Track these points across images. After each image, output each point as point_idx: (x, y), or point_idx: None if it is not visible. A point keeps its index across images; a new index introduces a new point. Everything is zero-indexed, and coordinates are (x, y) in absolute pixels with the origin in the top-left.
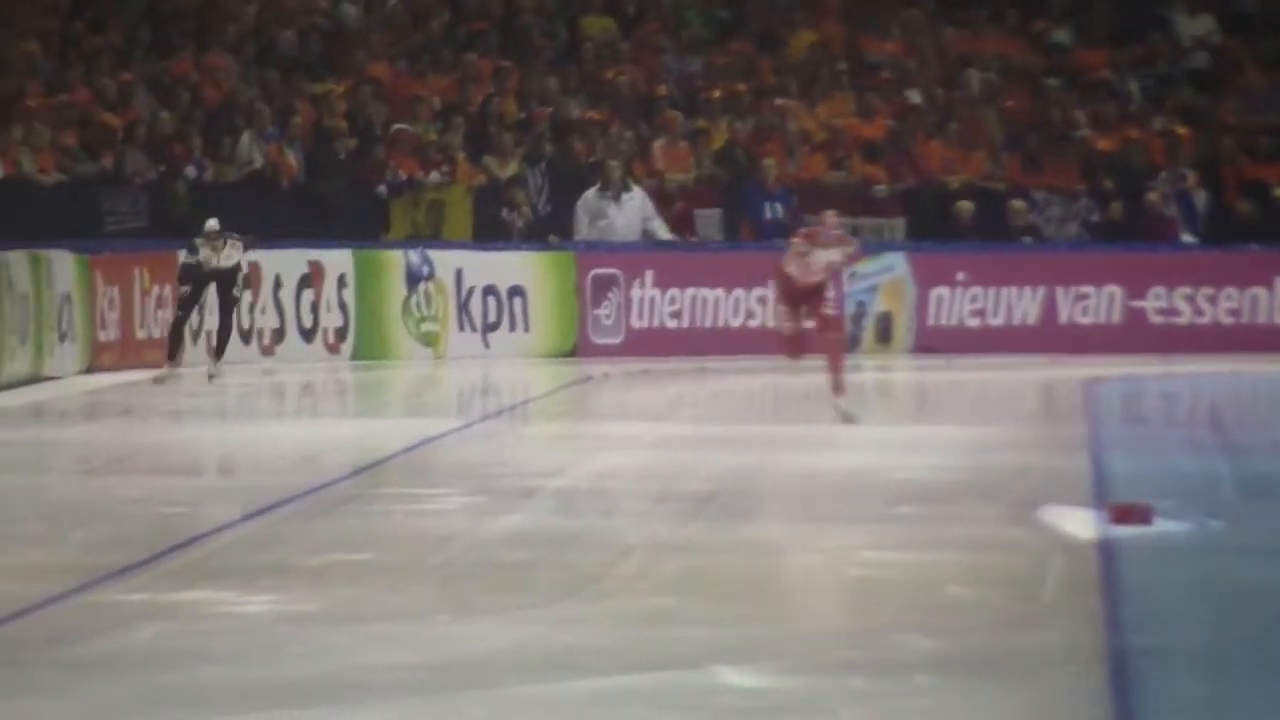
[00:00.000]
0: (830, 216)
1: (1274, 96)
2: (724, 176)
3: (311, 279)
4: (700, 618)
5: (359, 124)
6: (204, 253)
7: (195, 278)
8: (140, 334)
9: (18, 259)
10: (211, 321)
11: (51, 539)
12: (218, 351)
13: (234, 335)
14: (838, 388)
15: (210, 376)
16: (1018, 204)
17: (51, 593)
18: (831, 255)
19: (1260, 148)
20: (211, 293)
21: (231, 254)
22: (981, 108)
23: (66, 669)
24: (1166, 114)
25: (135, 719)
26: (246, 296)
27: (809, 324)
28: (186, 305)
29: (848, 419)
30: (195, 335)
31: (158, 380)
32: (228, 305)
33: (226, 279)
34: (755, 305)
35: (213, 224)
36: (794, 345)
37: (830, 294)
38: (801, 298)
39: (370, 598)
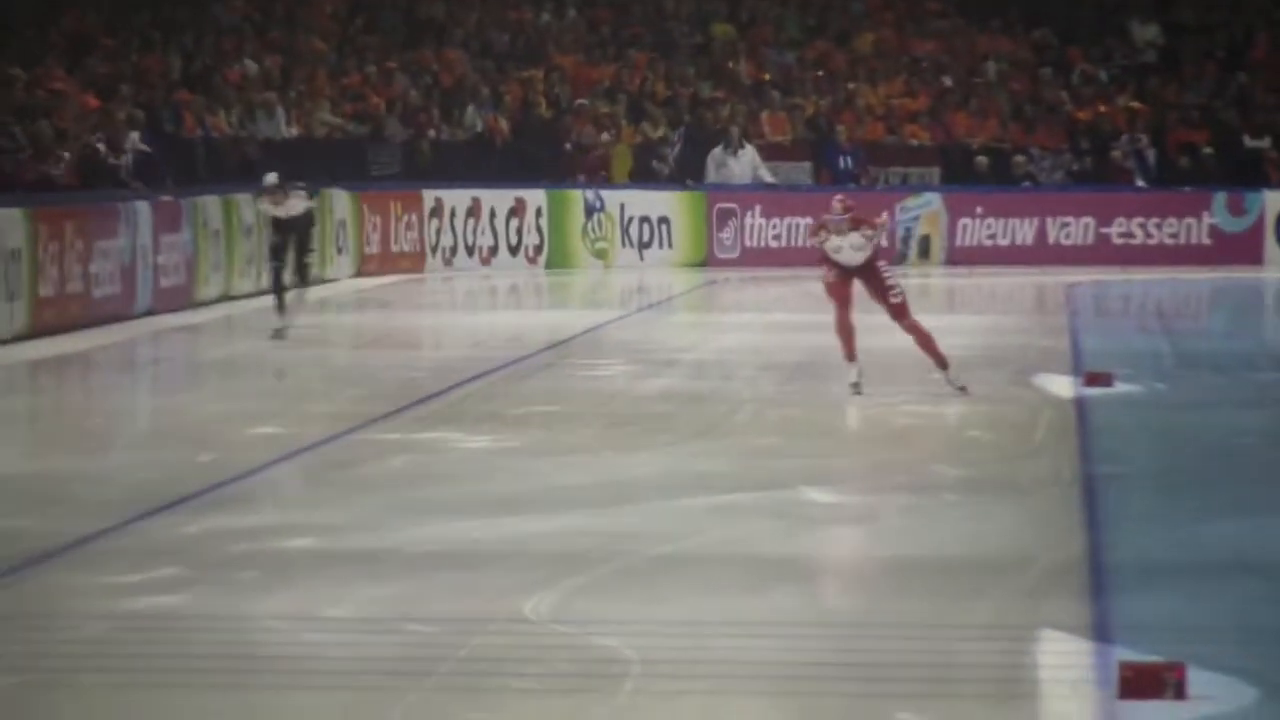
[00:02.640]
0: (836, 203)
1: (1202, 83)
2: (810, 138)
3: (516, 210)
4: (793, 452)
5: (551, 99)
6: (264, 205)
7: (276, 227)
8: (394, 249)
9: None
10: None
11: (331, 394)
12: (288, 299)
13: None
14: (941, 363)
15: (282, 329)
16: (1019, 158)
17: (332, 432)
18: (852, 239)
19: (1192, 119)
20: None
21: (295, 204)
22: (995, 89)
23: (343, 487)
24: (1126, 95)
25: (393, 522)
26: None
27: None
28: (278, 253)
29: (961, 389)
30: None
31: (276, 335)
32: (301, 251)
33: (298, 226)
34: None
35: (271, 178)
36: (850, 340)
37: (889, 278)
38: (864, 282)
39: (558, 437)
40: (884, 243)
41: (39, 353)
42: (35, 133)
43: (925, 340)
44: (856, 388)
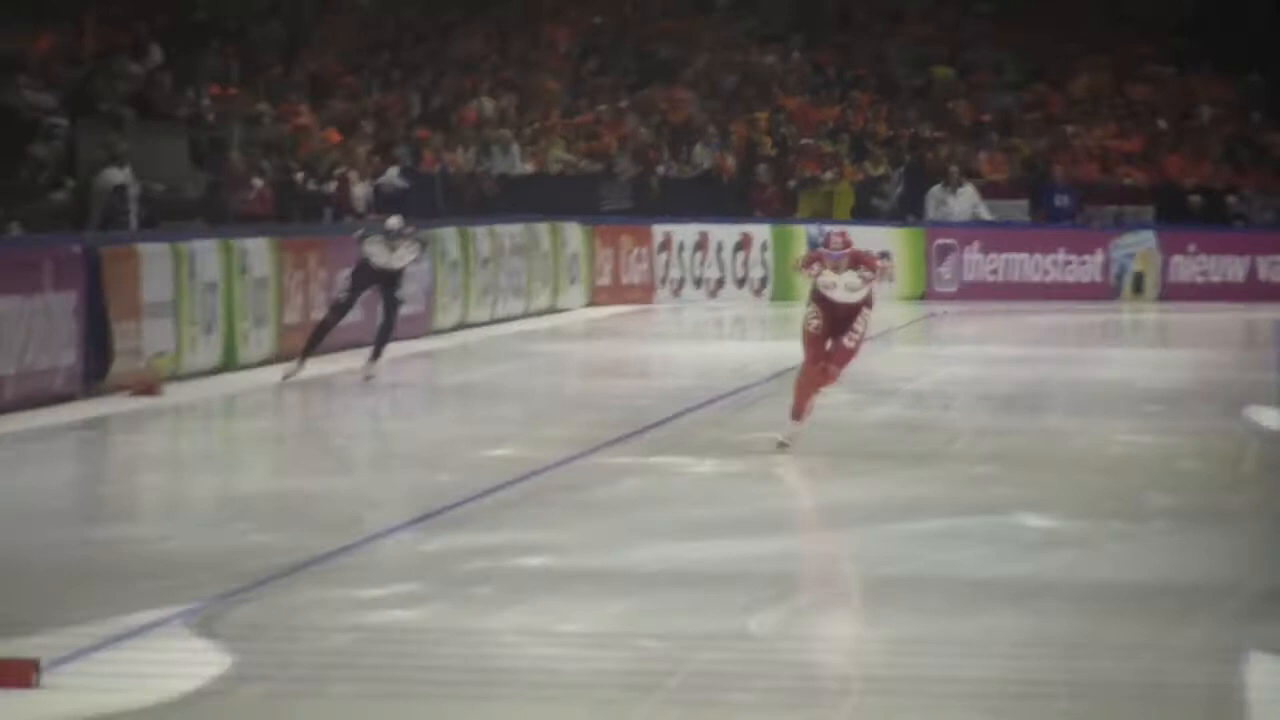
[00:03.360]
0: (835, 237)
1: None
2: (1027, 177)
3: (743, 245)
4: (1008, 480)
5: (776, 139)
6: (377, 249)
7: (362, 277)
8: (625, 280)
9: (543, 228)
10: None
11: (564, 419)
12: (376, 352)
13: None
14: (798, 412)
15: (367, 378)
16: (1231, 198)
17: (565, 456)
18: (848, 278)
19: None
20: (374, 292)
21: (405, 255)
22: (1207, 132)
23: (576, 508)
24: None
25: (621, 542)
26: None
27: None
28: (341, 309)
29: (783, 446)
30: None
31: (286, 376)
32: (392, 306)
33: (393, 279)
34: (1049, 265)
35: (394, 222)
36: (818, 350)
37: (860, 326)
38: (838, 323)
39: (780, 462)
40: (887, 280)
41: (280, 374)
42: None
43: (817, 388)
44: (784, 447)
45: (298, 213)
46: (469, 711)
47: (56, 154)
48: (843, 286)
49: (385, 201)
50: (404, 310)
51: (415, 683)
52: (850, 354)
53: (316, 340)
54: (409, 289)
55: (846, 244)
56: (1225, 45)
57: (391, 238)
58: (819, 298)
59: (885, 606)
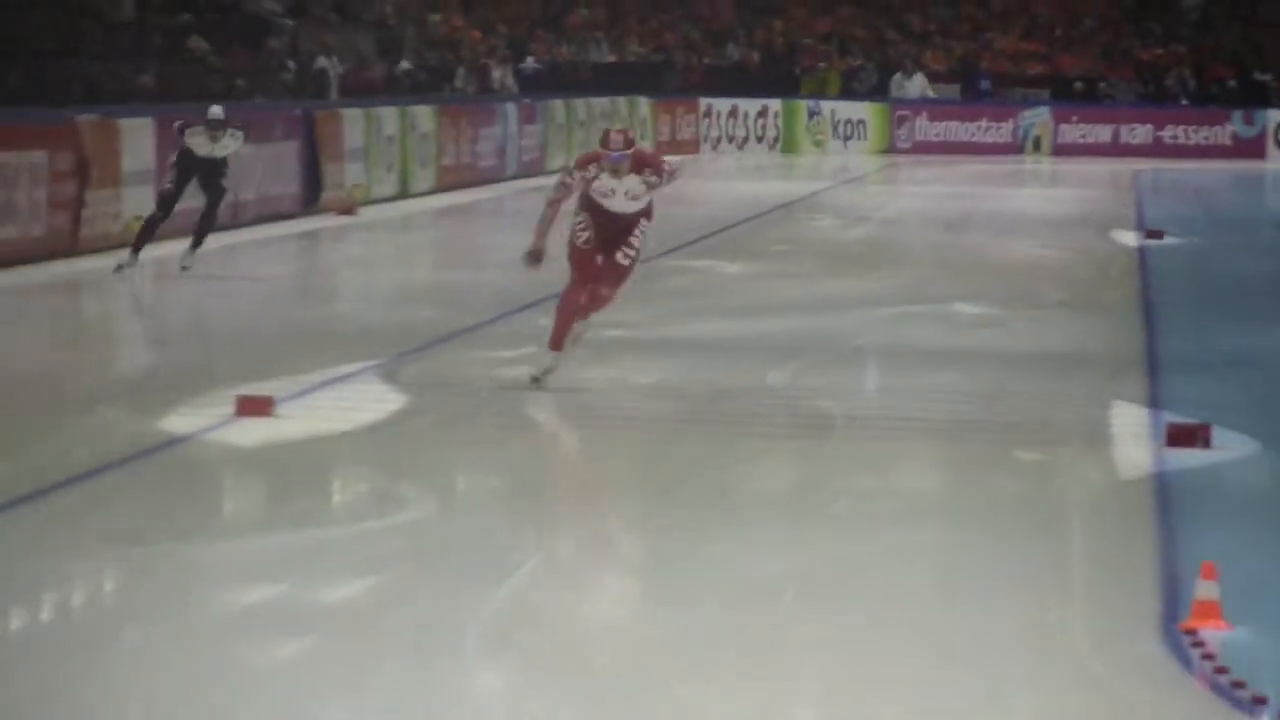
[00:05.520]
0: (616, 135)
1: (1228, 35)
2: (960, 68)
3: (762, 114)
4: (947, 280)
5: (788, 39)
6: (199, 139)
7: (185, 167)
8: (679, 136)
9: (622, 101)
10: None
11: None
12: (196, 241)
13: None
14: (557, 341)
15: (184, 268)
16: (1102, 85)
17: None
18: (630, 184)
19: (1222, 60)
20: (195, 183)
21: (228, 144)
22: (1089, 38)
23: (643, 297)
24: (1178, 43)
25: (678, 322)
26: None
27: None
28: (168, 202)
29: (536, 380)
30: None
31: (120, 267)
32: (215, 196)
33: (216, 169)
34: (975, 130)
35: (217, 111)
36: (587, 268)
37: (637, 240)
38: (613, 234)
39: (786, 266)
40: (678, 181)
41: (441, 203)
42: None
43: (587, 313)
44: (539, 382)
45: (449, 88)
46: (572, 436)
47: (283, 45)
48: (622, 194)
49: (524, 82)
50: (530, 156)
51: (533, 417)
52: (625, 273)
53: (147, 235)
54: (232, 178)
55: (629, 143)
56: None
57: (214, 128)
58: (590, 205)
59: (860, 367)
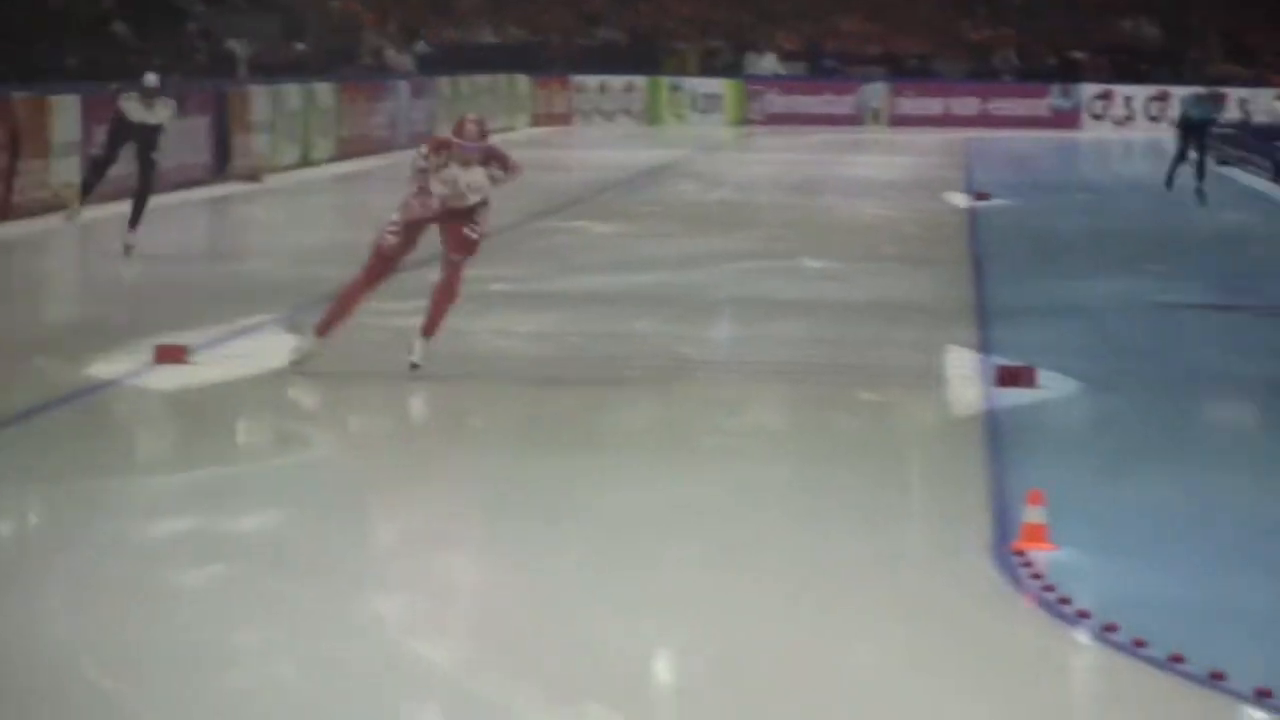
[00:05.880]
0: (470, 124)
1: (1047, 19)
2: (809, 47)
3: (630, 89)
4: (796, 237)
5: (654, 22)
6: (133, 105)
7: (118, 133)
8: (554, 111)
9: (503, 78)
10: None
11: (514, 197)
12: (134, 219)
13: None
14: (430, 327)
15: (127, 248)
16: (936, 64)
17: (514, 221)
18: (474, 176)
19: (1041, 39)
20: (130, 155)
21: (161, 112)
22: (923, 23)
23: (523, 253)
24: (1004, 25)
25: (555, 276)
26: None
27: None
28: (100, 166)
29: (412, 368)
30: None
31: (67, 217)
32: (147, 170)
33: (149, 137)
34: (821, 103)
35: (151, 79)
36: (378, 271)
37: (480, 218)
38: (439, 220)
39: (652, 226)
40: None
41: (340, 170)
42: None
43: (448, 291)
44: (417, 368)
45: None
46: (460, 381)
47: (199, 29)
48: (464, 185)
49: (419, 61)
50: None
51: (423, 364)
52: (473, 245)
53: (95, 181)
54: (165, 148)
55: (483, 134)
56: None
57: (148, 95)
58: (418, 195)
59: (719, 318)
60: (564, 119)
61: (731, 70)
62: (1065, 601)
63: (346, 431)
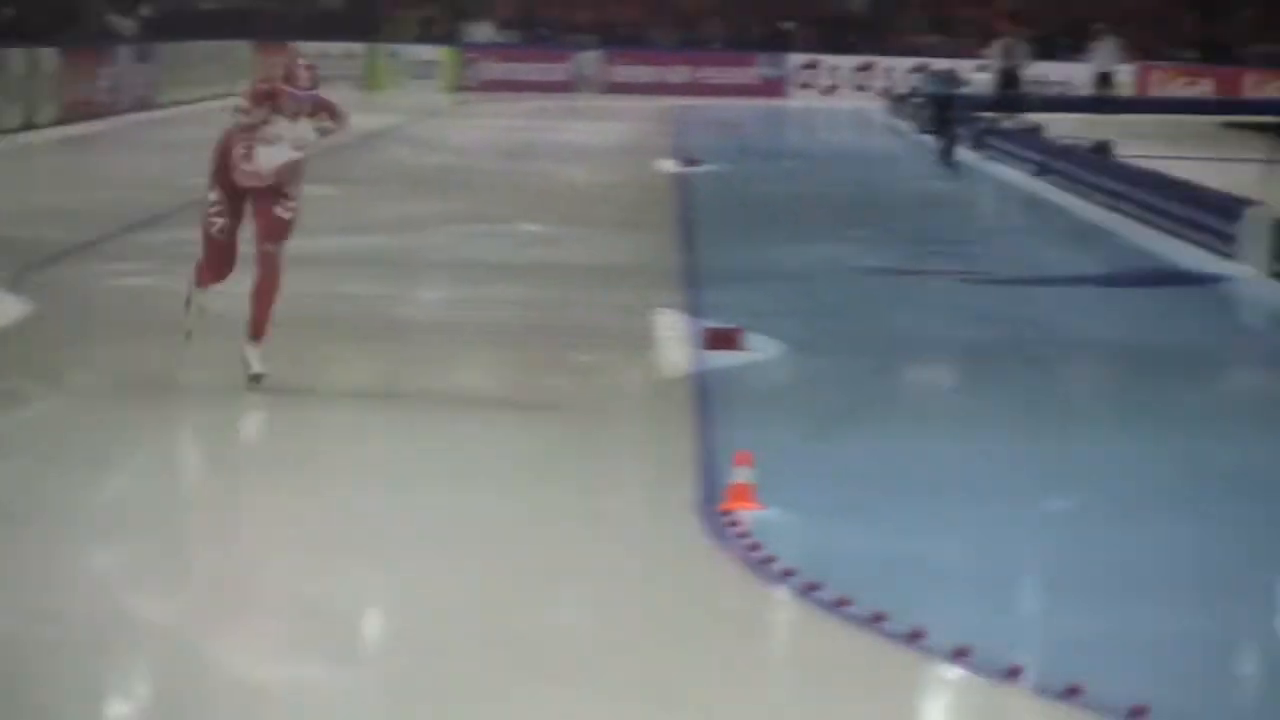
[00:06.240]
0: (302, 70)
1: None
2: (525, 18)
3: (349, 54)
4: (511, 202)
5: None
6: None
7: None
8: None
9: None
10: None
11: None
12: None
13: None
14: (257, 329)
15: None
16: (650, 31)
17: None
18: (301, 130)
19: (745, 11)
20: None
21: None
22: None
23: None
24: None
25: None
26: None
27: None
28: None
29: (254, 380)
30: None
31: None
32: None
33: None
34: (536, 70)
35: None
36: (221, 260)
37: (294, 189)
38: (265, 193)
39: (372, 190)
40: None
41: (64, 134)
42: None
43: (268, 292)
44: (258, 379)
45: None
46: (169, 343)
47: None
48: (289, 142)
49: (144, 26)
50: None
51: (150, 321)
52: (286, 227)
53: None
54: None
55: (316, 82)
56: None
57: None
58: (226, 182)
59: (439, 276)
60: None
61: (448, 38)
62: (770, 560)
63: (68, 389)
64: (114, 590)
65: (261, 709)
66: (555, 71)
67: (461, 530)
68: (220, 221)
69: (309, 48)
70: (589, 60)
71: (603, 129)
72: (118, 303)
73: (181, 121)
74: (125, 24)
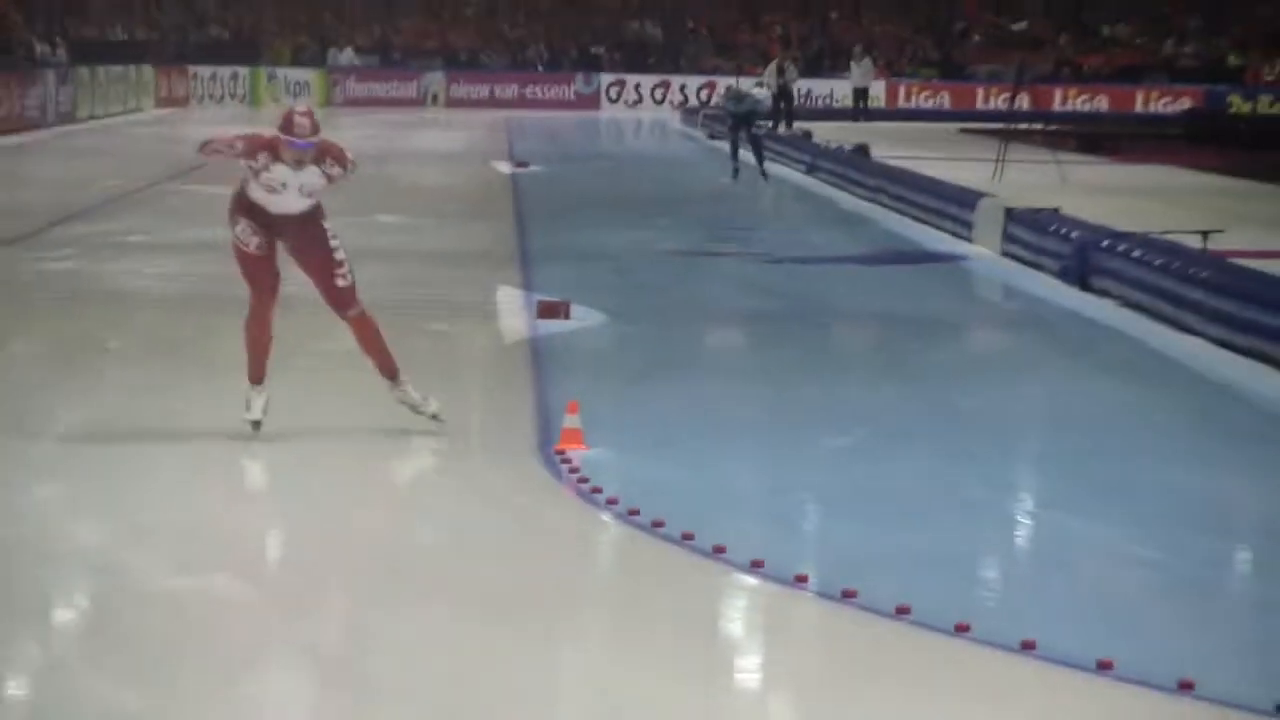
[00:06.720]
0: (300, 118)
1: (577, 21)
2: (379, 47)
3: (235, 76)
4: (371, 198)
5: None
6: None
7: None
8: (176, 95)
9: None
10: None
11: (151, 164)
12: None
13: None
14: (390, 370)
15: None
16: (482, 56)
17: (145, 185)
18: (308, 177)
19: (568, 37)
20: None
21: None
22: (468, 22)
23: (149, 211)
24: (541, 24)
25: (173, 230)
26: None
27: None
28: None
29: (435, 418)
30: None
31: None
32: None
33: None
34: (390, 88)
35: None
36: (268, 275)
37: (336, 248)
38: (298, 247)
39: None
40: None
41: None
42: None
43: (373, 337)
44: (257, 425)
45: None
46: (99, 312)
47: None
48: (295, 189)
49: (70, 51)
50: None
51: (78, 296)
52: (352, 292)
53: None
54: None
55: (316, 128)
56: None
57: None
58: (249, 209)
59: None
60: (183, 101)
61: (317, 62)
62: (597, 491)
63: (6, 356)
64: (48, 515)
65: (172, 617)
66: (406, 89)
67: (337, 467)
68: (256, 239)
69: (203, 70)
70: (434, 79)
71: (447, 137)
72: (47, 283)
73: (97, 132)
74: (57, 53)
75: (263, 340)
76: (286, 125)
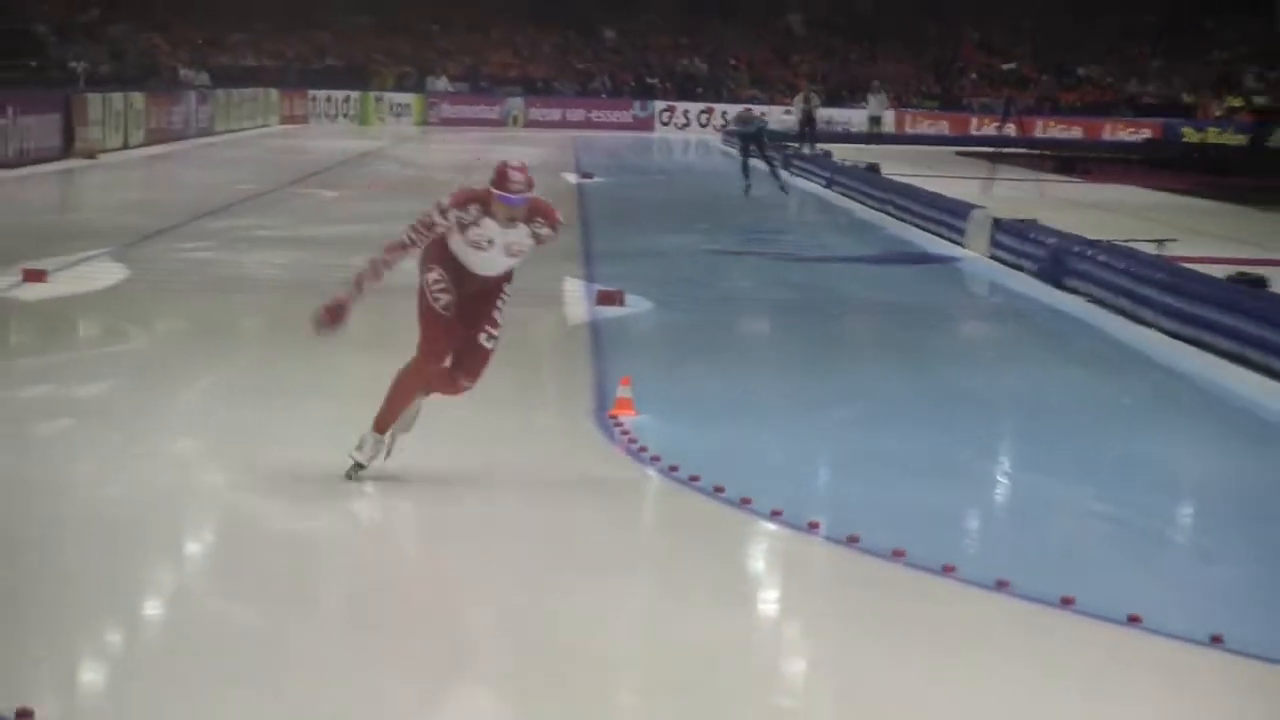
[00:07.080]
0: (515, 173)
1: (639, 52)
2: (471, 76)
3: (349, 99)
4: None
5: (363, 51)
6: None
7: None
8: (297, 113)
9: (261, 90)
10: None
11: (275, 172)
12: None
13: None
14: (383, 423)
15: None
16: (554, 84)
17: (267, 189)
18: (517, 236)
19: (629, 68)
20: None
21: None
22: (550, 58)
23: (282, 209)
24: (624, 56)
25: (295, 227)
26: None
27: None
28: None
29: (359, 467)
30: None
31: None
32: None
33: None
34: (481, 112)
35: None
36: (446, 340)
37: (500, 315)
38: (471, 300)
39: (361, 193)
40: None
41: (150, 152)
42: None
43: (435, 391)
44: (360, 469)
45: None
46: (229, 300)
47: (54, 54)
48: (501, 248)
49: (211, 76)
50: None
51: (208, 279)
52: (487, 358)
53: None
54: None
55: (530, 184)
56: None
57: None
58: (447, 260)
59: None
60: (302, 119)
61: (416, 87)
62: (644, 450)
63: (154, 328)
64: (190, 466)
65: (295, 554)
66: (491, 112)
67: (433, 422)
68: (446, 297)
69: (320, 94)
70: (515, 104)
71: (524, 152)
72: (189, 269)
73: (231, 144)
74: (199, 77)
75: (409, 399)
76: (500, 179)
